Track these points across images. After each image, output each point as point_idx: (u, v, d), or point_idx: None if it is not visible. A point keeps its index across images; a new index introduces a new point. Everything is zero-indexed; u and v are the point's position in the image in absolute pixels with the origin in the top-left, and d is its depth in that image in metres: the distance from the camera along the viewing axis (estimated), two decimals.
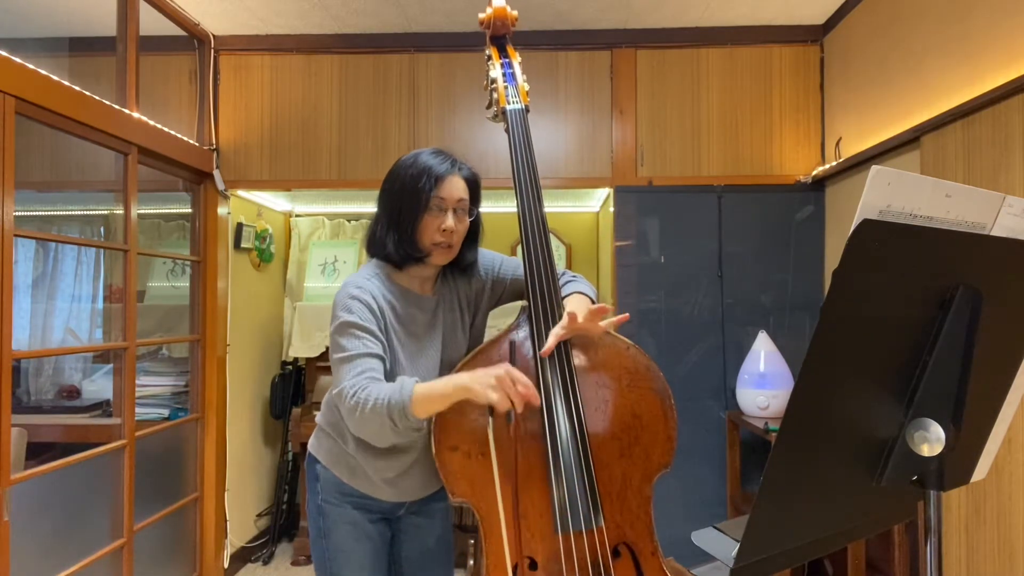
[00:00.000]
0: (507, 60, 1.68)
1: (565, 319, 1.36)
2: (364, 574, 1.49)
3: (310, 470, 1.57)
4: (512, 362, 1.42)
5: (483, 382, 1.23)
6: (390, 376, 1.39)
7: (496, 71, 1.66)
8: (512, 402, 1.21)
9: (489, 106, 1.68)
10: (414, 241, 1.44)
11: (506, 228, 3.81)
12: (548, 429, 1.36)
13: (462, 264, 1.54)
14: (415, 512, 1.58)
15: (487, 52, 1.72)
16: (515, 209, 1.53)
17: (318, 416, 1.60)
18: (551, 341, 1.36)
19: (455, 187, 1.44)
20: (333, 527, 1.50)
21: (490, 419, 1.31)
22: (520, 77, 1.65)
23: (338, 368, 1.36)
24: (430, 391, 1.27)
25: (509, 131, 1.58)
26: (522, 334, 1.45)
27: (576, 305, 1.44)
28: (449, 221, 1.42)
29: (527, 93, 1.63)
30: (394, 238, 1.44)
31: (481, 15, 1.70)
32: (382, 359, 1.36)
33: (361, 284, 1.43)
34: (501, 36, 1.72)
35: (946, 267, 0.82)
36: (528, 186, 1.51)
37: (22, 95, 1.96)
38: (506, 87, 1.62)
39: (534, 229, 1.48)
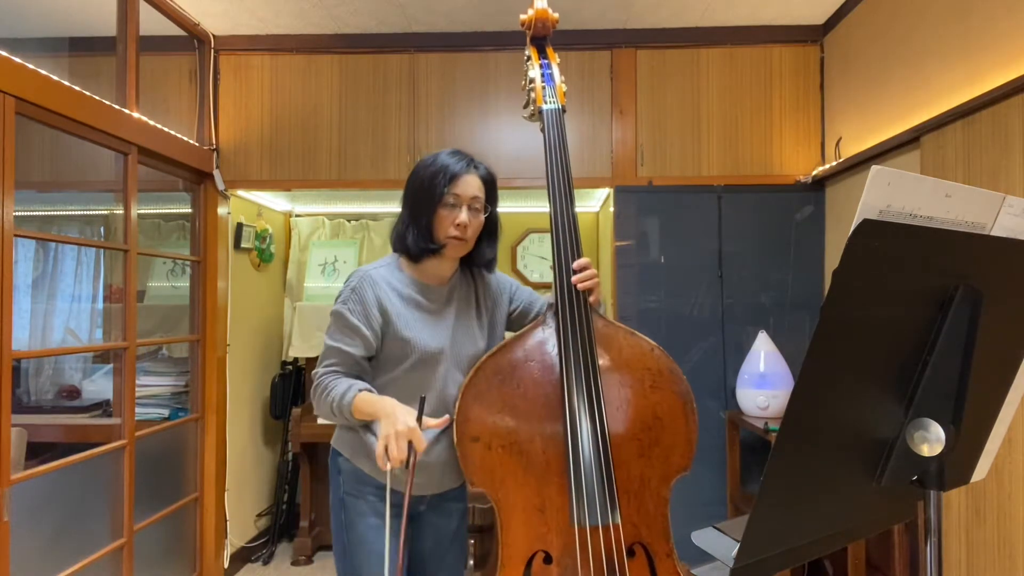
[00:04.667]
0: (546, 61, 1.71)
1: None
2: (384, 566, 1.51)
3: (333, 464, 1.60)
4: (536, 358, 1.46)
5: (389, 424, 1.31)
6: (402, 352, 1.49)
7: (535, 71, 1.69)
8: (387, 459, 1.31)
9: (526, 105, 1.72)
10: (430, 234, 1.50)
11: (506, 228, 3.78)
12: (569, 425, 1.39)
13: (480, 261, 1.60)
14: (434, 509, 1.60)
15: (527, 52, 1.75)
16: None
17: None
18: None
19: (470, 185, 1.51)
20: (354, 520, 1.52)
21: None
22: (558, 78, 1.68)
23: (324, 344, 1.51)
24: (364, 408, 1.39)
25: (545, 131, 1.62)
26: (547, 331, 1.48)
27: None
28: (463, 216, 1.49)
29: (564, 94, 1.66)
30: (413, 232, 1.51)
31: (523, 16, 1.73)
32: (355, 357, 1.48)
33: (367, 272, 1.52)
34: (542, 37, 1.75)
35: (946, 267, 0.82)
36: (561, 185, 1.56)
37: (22, 95, 1.96)
38: (544, 87, 1.65)
39: (566, 227, 1.53)
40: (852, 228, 0.72)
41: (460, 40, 3.12)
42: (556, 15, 1.72)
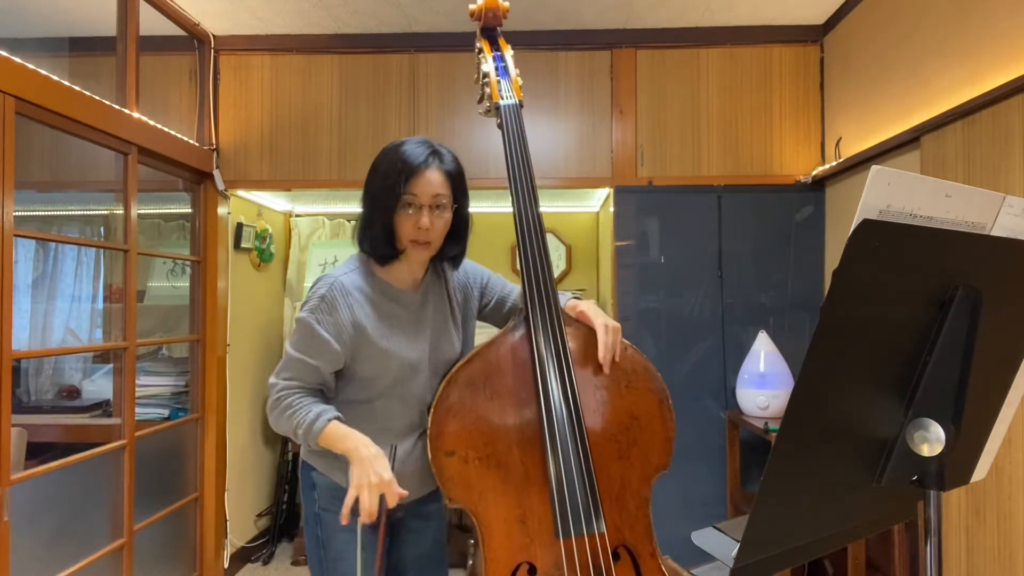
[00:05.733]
0: (499, 53, 1.63)
1: (611, 330, 1.39)
2: None
3: (305, 478, 1.52)
4: (508, 366, 1.40)
5: (363, 473, 1.28)
6: (381, 365, 1.41)
7: (488, 65, 1.61)
8: (361, 510, 1.27)
9: (481, 100, 1.63)
10: (390, 239, 1.41)
11: (505, 228, 3.80)
12: (547, 433, 1.34)
13: (445, 257, 1.51)
14: (412, 515, 1.54)
15: (478, 45, 1.67)
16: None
17: None
18: (604, 353, 1.38)
19: (429, 183, 1.38)
20: (331, 535, 1.45)
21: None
22: (513, 71, 1.60)
23: (285, 352, 1.42)
24: (334, 441, 1.34)
25: (503, 127, 1.54)
26: (518, 336, 1.42)
27: (594, 309, 1.44)
28: (424, 220, 1.38)
29: (520, 87, 1.58)
30: (372, 235, 1.42)
31: (472, 6, 1.64)
32: (320, 372, 1.40)
33: (336, 279, 1.42)
34: (492, 28, 1.67)
35: (946, 267, 0.82)
36: (523, 184, 1.47)
37: (22, 95, 1.96)
38: (499, 81, 1.57)
39: (530, 228, 1.45)
40: (852, 228, 0.72)
41: (460, 40, 3.11)
42: (507, 4, 1.63)
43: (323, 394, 1.44)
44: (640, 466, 1.42)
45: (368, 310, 1.42)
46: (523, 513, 1.36)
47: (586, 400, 1.39)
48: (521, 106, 1.57)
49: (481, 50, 1.66)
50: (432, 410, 1.38)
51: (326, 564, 1.46)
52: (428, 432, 1.37)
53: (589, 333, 1.43)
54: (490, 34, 1.67)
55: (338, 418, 1.37)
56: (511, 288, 1.66)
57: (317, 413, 1.35)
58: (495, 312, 1.64)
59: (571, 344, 1.41)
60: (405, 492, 1.30)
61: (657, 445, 1.43)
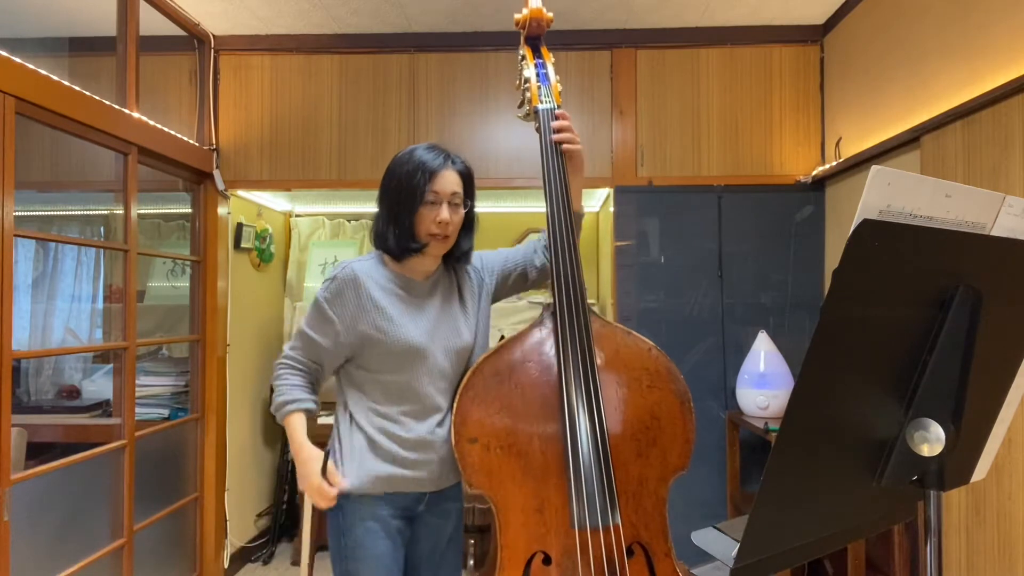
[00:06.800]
0: (541, 60, 1.70)
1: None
2: (381, 572, 1.49)
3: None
4: (534, 359, 1.46)
5: (302, 476, 1.50)
6: (385, 345, 1.48)
7: (530, 71, 1.68)
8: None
9: (521, 105, 1.71)
10: (412, 233, 1.49)
11: (506, 228, 3.81)
12: (568, 426, 1.39)
13: (458, 253, 1.59)
14: (431, 510, 1.57)
15: (521, 52, 1.75)
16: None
17: (334, 417, 1.61)
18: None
19: (448, 181, 1.49)
20: (351, 524, 1.50)
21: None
22: (553, 77, 1.67)
23: (298, 326, 1.57)
24: (288, 431, 1.52)
25: (540, 130, 1.61)
26: (544, 332, 1.47)
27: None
28: (444, 213, 1.48)
29: (560, 93, 1.66)
30: (394, 232, 1.50)
31: (517, 16, 1.71)
32: (321, 347, 1.52)
33: (349, 265, 1.52)
34: (536, 37, 1.74)
35: (946, 267, 0.82)
36: (557, 186, 1.55)
37: (22, 95, 1.96)
38: (539, 87, 1.65)
39: (562, 229, 1.51)
40: (852, 228, 0.72)
41: (460, 40, 3.12)
42: (551, 14, 1.71)
43: (318, 373, 1.57)
44: (658, 466, 1.45)
45: (375, 294, 1.50)
46: (541, 503, 1.40)
47: (608, 398, 1.44)
48: (559, 110, 1.63)
49: (524, 57, 1.73)
50: (457, 397, 1.44)
51: (345, 552, 1.51)
52: (453, 419, 1.43)
53: (615, 332, 1.50)
54: (533, 42, 1.74)
55: (308, 411, 1.52)
56: (528, 247, 1.70)
57: (290, 399, 1.51)
58: (520, 280, 1.68)
59: (596, 343, 1.46)
60: (333, 500, 1.46)
61: (676, 446, 1.47)
